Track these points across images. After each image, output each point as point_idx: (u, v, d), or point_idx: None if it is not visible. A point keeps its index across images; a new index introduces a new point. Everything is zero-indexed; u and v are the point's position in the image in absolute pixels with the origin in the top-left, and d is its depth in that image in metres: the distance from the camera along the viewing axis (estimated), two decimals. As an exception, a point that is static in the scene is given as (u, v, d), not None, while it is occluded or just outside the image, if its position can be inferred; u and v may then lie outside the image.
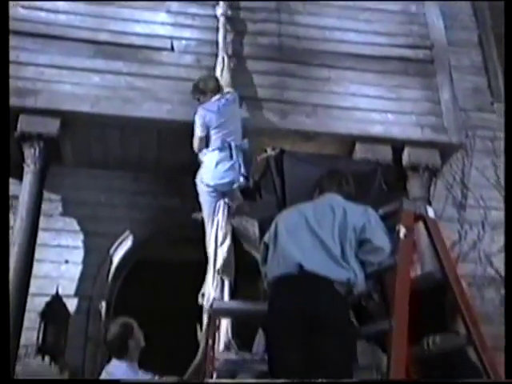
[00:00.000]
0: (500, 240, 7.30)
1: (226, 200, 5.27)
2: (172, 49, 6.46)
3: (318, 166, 4.04)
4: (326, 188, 3.62)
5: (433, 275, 3.76)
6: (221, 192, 5.26)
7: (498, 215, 7.37)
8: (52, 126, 6.06)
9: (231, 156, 5.25)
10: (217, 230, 5.20)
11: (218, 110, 5.38)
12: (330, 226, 3.31)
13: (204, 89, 5.60)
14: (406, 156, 6.40)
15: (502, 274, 7.13)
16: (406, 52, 6.88)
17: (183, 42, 6.50)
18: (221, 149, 5.25)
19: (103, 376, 4.36)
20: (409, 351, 3.52)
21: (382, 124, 6.38)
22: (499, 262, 7.17)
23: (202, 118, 5.40)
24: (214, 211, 5.27)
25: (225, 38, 6.44)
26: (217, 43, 6.41)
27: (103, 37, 6.33)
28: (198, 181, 5.37)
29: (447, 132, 6.49)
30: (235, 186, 5.11)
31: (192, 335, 5.06)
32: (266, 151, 4.37)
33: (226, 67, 6.17)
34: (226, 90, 5.77)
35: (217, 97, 5.49)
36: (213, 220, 5.24)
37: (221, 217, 5.24)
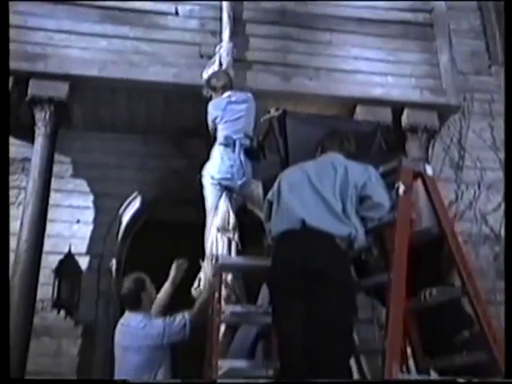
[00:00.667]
0: (495, 200, 7.37)
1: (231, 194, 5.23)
2: (176, 13, 6.43)
3: (320, 127, 4.07)
4: (328, 147, 3.65)
5: (430, 230, 3.80)
6: (224, 186, 5.21)
7: (494, 176, 7.43)
8: (61, 90, 6.07)
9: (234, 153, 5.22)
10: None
11: (225, 107, 5.27)
12: (332, 183, 3.35)
13: (215, 85, 5.51)
14: (405, 118, 6.41)
15: (497, 231, 7.24)
16: (407, 15, 6.84)
17: (187, 6, 6.47)
18: (225, 145, 5.20)
19: (118, 328, 4.48)
20: (407, 303, 3.63)
21: (383, 86, 6.37)
22: (494, 220, 7.26)
23: (210, 114, 5.34)
24: (217, 203, 5.24)
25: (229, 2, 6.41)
26: (220, 8, 6.38)
27: (110, 2, 6.29)
28: (204, 172, 5.33)
29: (445, 94, 6.47)
30: (239, 182, 5.05)
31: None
32: (269, 112, 4.41)
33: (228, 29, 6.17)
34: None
35: (227, 94, 5.39)
36: (215, 210, 5.21)
37: (223, 206, 5.21)
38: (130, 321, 4.44)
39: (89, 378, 5.80)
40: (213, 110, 5.29)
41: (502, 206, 7.40)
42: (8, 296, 3.48)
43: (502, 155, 7.56)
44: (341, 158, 3.56)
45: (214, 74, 5.65)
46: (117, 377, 4.36)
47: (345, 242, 3.26)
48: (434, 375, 3.79)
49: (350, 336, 3.26)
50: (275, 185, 3.58)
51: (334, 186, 3.34)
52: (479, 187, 7.35)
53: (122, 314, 4.67)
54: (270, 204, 3.55)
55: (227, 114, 5.18)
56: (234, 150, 5.05)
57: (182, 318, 4.36)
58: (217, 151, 5.21)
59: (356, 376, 3.61)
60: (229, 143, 5.13)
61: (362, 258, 3.81)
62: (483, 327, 3.46)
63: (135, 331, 4.39)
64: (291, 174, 3.59)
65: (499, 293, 6.82)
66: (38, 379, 4.90)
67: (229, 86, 5.47)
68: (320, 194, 3.33)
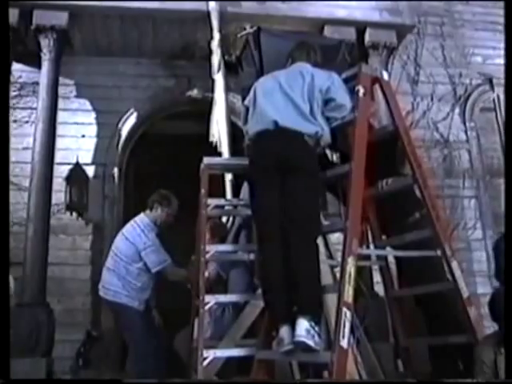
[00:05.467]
0: (445, 110, 7.35)
1: None
2: None
3: (291, 40, 3.93)
4: (297, 58, 3.55)
5: (386, 127, 3.78)
6: None
7: (444, 89, 7.39)
8: (62, 19, 5.89)
9: None
10: None
11: None
12: (301, 88, 3.29)
13: None
14: (368, 36, 6.30)
15: (446, 137, 7.24)
16: None
17: None
18: None
19: (131, 222, 4.48)
20: (367, 191, 3.63)
21: (347, 8, 6.20)
22: (443, 127, 7.26)
23: None
24: None
25: None
26: None
27: None
28: None
29: (402, 15, 6.35)
30: None
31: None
32: (245, 29, 4.26)
33: None
34: None
35: None
36: None
37: None
38: (138, 220, 4.44)
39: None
40: None
41: (451, 115, 7.40)
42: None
43: (450, 71, 7.48)
44: (308, 66, 3.47)
45: None
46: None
47: (312, 139, 3.23)
48: (389, 251, 3.85)
49: (318, 217, 3.28)
50: (251, 92, 3.50)
51: (302, 91, 3.28)
52: (432, 99, 7.32)
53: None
54: (247, 109, 3.49)
55: None
56: None
57: (165, 258, 4.30)
58: None
59: (322, 249, 3.62)
60: None
61: (327, 153, 3.78)
62: (429, 208, 3.49)
63: (132, 227, 4.41)
64: (265, 81, 3.51)
65: (446, 188, 6.94)
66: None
67: None
68: (290, 97, 3.28)
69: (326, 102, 3.32)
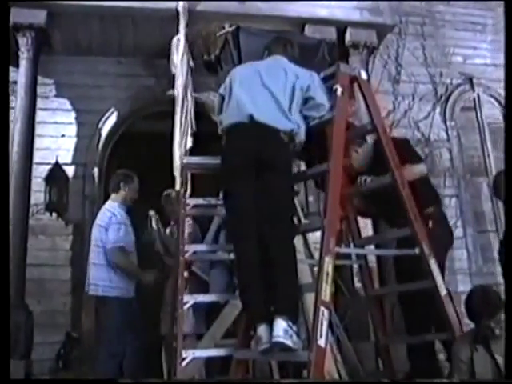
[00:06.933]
0: (426, 109, 7.39)
1: None
2: None
3: (269, 39, 3.95)
4: (273, 50, 3.52)
5: (365, 126, 3.79)
6: None
7: (425, 88, 7.42)
8: (40, 17, 5.81)
9: None
10: None
11: None
12: (283, 83, 3.26)
13: None
14: (348, 35, 6.30)
15: (427, 136, 7.28)
16: None
17: None
18: None
19: (101, 211, 4.49)
20: (345, 189, 3.63)
21: (328, 8, 6.19)
22: (424, 126, 7.30)
23: None
24: None
25: None
26: None
27: None
28: None
29: (382, 15, 6.38)
30: None
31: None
32: (224, 28, 4.24)
33: None
34: None
35: None
36: None
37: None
38: (108, 205, 4.48)
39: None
40: None
41: (432, 115, 7.44)
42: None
43: (431, 70, 7.52)
44: (288, 62, 3.44)
45: None
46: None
47: (287, 135, 3.21)
48: (367, 249, 3.87)
49: (292, 219, 3.28)
50: (227, 79, 3.43)
51: (284, 86, 3.25)
52: (413, 98, 7.34)
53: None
54: (223, 97, 3.41)
55: None
56: None
57: (123, 239, 4.35)
58: None
59: (301, 249, 3.62)
60: None
61: (303, 152, 3.75)
62: (407, 207, 3.49)
63: (103, 214, 4.49)
64: (243, 70, 3.45)
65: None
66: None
67: None
68: (270, 91, 3.23)
69: (306, 100, 3.31)
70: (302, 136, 3.30)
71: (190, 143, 5.09)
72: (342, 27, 6.26)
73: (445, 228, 4.09)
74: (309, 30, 6.02)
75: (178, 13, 5.53)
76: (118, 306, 4.29)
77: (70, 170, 6.18)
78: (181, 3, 5.56)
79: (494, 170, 7.37)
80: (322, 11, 6.16)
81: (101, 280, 4.34)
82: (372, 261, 4.21)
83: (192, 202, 3.95)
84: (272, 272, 2.92)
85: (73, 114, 6.38)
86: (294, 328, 2.83)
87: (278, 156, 3.13)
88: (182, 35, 5.42)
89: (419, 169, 3.90)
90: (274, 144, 3.14)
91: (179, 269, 3.58)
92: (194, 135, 5.19)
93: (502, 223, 7.21)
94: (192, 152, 5.03)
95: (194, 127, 5.17)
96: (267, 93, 3.22)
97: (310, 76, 3.36)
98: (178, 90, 5.26)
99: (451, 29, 7.83)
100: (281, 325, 2.79)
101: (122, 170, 4.74)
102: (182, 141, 5.18)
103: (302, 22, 6.08)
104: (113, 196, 4.59)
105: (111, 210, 4.49)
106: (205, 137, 4.95)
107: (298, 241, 3.56)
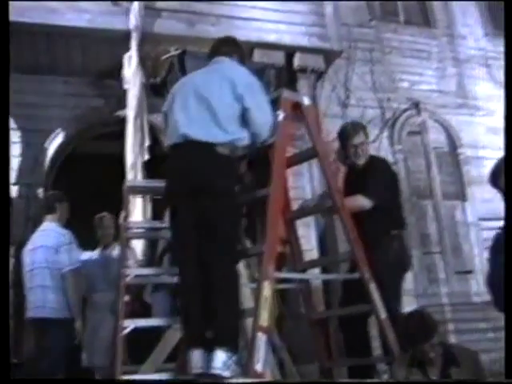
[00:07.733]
0: (374, 133, 7.49)
1: None
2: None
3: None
4: (218, 52, 3.37)
5: (308, 151, 3.83)
6: None
7: (373, 112, 7.61)
8: (-15, 34, 5.68)
9: None
10: None
11: None
12: (218, 92, 3.08)
13: None
14: (296, 60, 6.42)
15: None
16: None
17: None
18: None
19: (36, 234, 4.42)
20: (286, 214, 3.66)
21: (276, 33, 6.31)
22: (373, 150, 7.29)
23: None
24: None
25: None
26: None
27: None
28: None
29: (330, 41, 6.53)
30: None
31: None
32: (169, 51, 4.26)
33: None
34: None
35: None
36: None
37: None
38: (46, 227, 4.40)
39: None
40: None
41: (379, 138, 7.61)
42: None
43: (379, 95, 7.72)
44: (229, 64, 3.29)
45: None
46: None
47: (227, 147, 3.06)
48: (307, 274, 3.88)
49: (235, 245, 3.15)
50: (169, 96, 3.31)
51: (219, 93, 3.07)
52: (361, 122, 7.47)
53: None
54: (166, 116, 3.28)
55: None
56: None
57: (76, 266, 4.35)
58: None
59: (244, 273, 3.61)
60: None
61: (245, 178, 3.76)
62: (348, 231, 3.54)
63: (44, 235, 4.43)
64: (180, 85, 3.31)
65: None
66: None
67: None
68: (207, 101, 3.05)
69: (243, 110, 3.11)
70: (245, 141, 3.15)
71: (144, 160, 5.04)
72: (290, 52, 6.38)
73: (407, 250, 4.19)
74: (258, 55, 6.11)
75: (130, 32, 5.52)
76: (65, 328, 4.19)
77: (14, 190, 5.99)
78: (133, 21, 5.55)
79: (439, 193, 7.60)
80: (270, 36, 6.27)
81: (48, 302, 4.24)
82: (317, 284, 4.21)
83: (135, 224, 3.92)
84: (213, 298, 2.88)
85: (18, 133, 6.22)
86: (234, 358, 2.80)
87: (215, 178, 2.99)
88: (134, 51, 5.42)
89: (359, 202, 3.91)
90: (212, 163, 3.00)
91: (119, 294, 3.52)
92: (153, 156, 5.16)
93: (446, 244, 7.42)
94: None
95: (149, 142, 5.13)
96: (203, 104, 3.05)
97: (246, 85, 3.14)
98: (131, 105, 5.21)
99: (398, 55, 8.09)
100: (220, 357, 2.76)
101: (51, 191, 4.81)
102: (135, 161, 5.15)
103: (250, 47, 6.11)
104: (49, 217, 4.54)
105: (56, 230, 4.41)
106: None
107: (241, 264, 3.56)
